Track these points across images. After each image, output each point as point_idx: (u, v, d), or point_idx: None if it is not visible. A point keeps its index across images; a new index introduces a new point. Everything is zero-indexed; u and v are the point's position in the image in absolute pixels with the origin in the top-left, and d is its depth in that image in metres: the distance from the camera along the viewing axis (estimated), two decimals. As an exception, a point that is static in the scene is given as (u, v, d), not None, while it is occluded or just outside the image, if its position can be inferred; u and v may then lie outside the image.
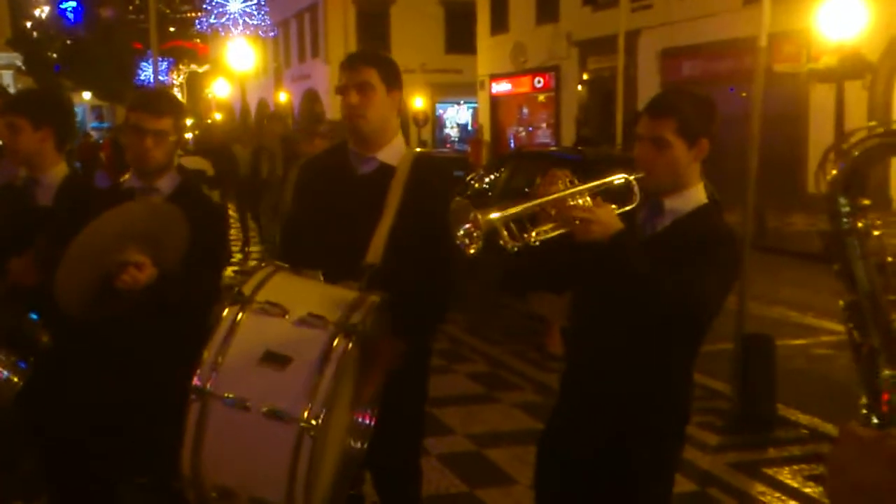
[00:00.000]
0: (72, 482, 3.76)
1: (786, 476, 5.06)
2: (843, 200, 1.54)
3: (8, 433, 3.91)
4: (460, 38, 33.49)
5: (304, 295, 2.78)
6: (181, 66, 55.81)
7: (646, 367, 2.59)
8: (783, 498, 4.76)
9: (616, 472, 2.63)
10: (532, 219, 2.36)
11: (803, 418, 5.96)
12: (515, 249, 2.33)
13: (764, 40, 5.76)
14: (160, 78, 46.24)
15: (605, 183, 2.49)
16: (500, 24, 30.70)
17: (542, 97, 30.11)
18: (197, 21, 42.81)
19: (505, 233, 2.32)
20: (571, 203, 2.38)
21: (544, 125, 30.19)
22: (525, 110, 31.55)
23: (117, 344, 3.15)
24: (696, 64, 22.27)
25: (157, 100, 3.26)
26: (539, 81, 29.15)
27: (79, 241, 2.87)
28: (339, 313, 2.64)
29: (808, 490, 4.85)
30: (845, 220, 1.54)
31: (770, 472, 5.12)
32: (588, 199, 2.41)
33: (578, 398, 2.71)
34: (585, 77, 26.31)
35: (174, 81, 53.35)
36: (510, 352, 7.60)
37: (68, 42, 46.93)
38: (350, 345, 2.57)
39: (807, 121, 18.32)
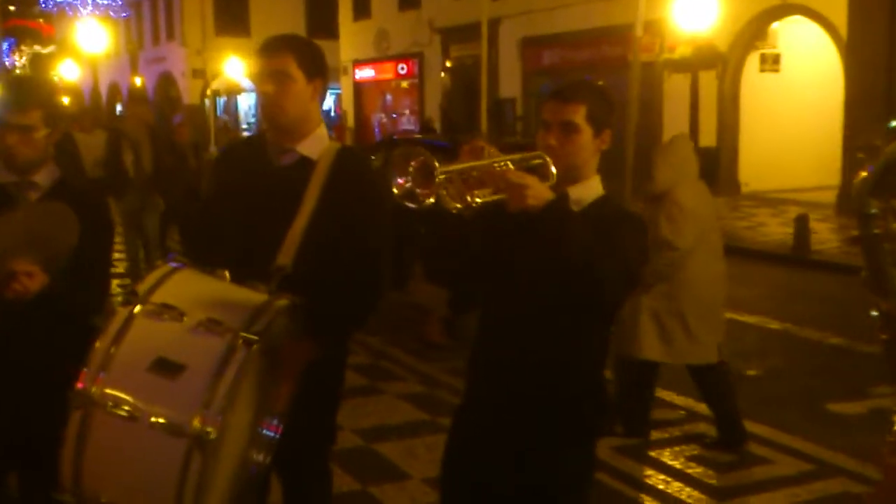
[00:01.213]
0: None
1: (668, 457, 5.23)
2: (872, 202, 1.49)
3: None
4: (322, 23, 32.99)
5: (205, 297, 2.63)
6: (23, 47, 52.89)
7: (572, 354, 2.56)
8: (668, 479, 4.91)
9: (543, 470, 2.59)
10: (467, 182, 2.30)
11: (679, 399, 6.17)
12: (457, 210, 2.27)
13: (640, 30, 5.86)
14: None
15: (525, 157, 2.46)
16: (362, 9, 30.46)
17: (405, 84, 30.09)
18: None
19: (444, 192, 2.25)
20: (502, 169, 2.33)
21: (408, 112, 30.20)
22: (389, 97, 31.46)
23: (3, 354, 2.91)
24: (555, 52, 22.77)
25: (23, 95, 2.97)
26: (402, 68, 29.12)
27: None
28: (240, 319, 2.51)
29: (690, 471, 5.02)
30: (876, 224, 1.48)
31: (653, 454, 5.28)
32: (513, 167, 2.36)
33: (497, 391, 2.63)
34: (448, 64, 26.44)
35: (16, 63, 50.51)
36: (390, 342, 7.54)
37: None
38: (250, 353, 2.44)
39: (661, 109, 19.01)
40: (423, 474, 4.85)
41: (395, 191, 2.26)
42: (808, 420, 5.91)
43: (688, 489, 4.79)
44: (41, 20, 52.67)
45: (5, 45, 37.12)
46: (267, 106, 2.95)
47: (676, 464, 5.12)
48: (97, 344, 2.44)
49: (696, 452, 5.28)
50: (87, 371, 2.40)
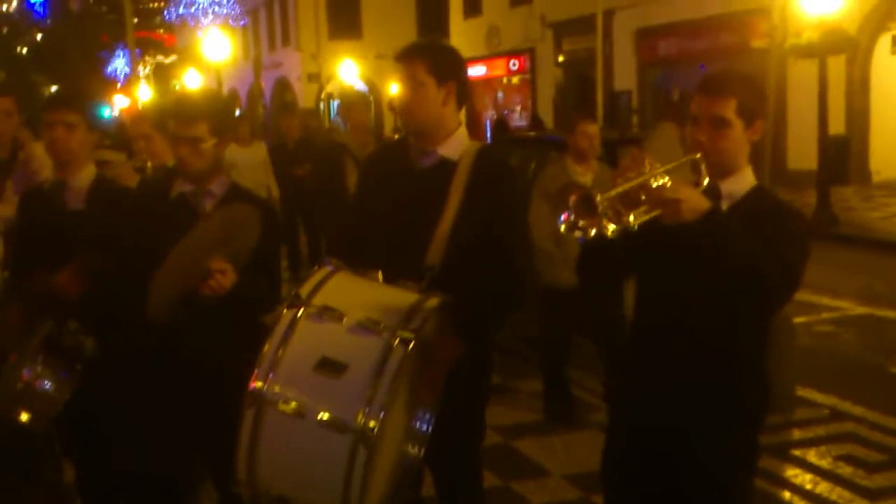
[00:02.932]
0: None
1: (813, 457, 5.07)
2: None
3: (35, 443, 3.83)
4: (433, 22, 33.26)
5: (362, 298, 2.72)
6: (147, 58, 55.13)
7: (733, 344, 2.54)
8: (816, 479, 4.77)
9: (708, 454, 2.58)
10: (625, 202, 2.30)
11: (821, 398, 5.99)
12: (614, 233, 2.27)
13: (776, 16, 5.67)
14: (126, 70, 45.72)
15: (681, 163, 2.44)
16: (473, 7, 30.55)
17: (516, 80, 30.04)
18: (165, 11, 42.23)
19: (603, 218, 2.27)
20: (656, 184, 2.31)
21: (519, 108, 30.14)
22: (500, 94, 31.46)
23: (172, 349, 3.07)
24: (671, 43, 22.30)
25: (192, 108, 3.14)
26: (514, 64, 29.07)
27: (177, 252, 2.84)
28: (396, 318, 2.59)
29: (839, 471, 4.86)
30: None
31: (798, 453, 5.13)
32: (668, 180, 2.35)
33: (659, 381, 2.63)
34: (561, 59, 26.26)
35: (140, 73, 52.70)
36: (518, 339, 7.53)
37: (38, 36, 46.15)
38: (407, 351, 2.52)
39: (785, 97, 18.41)
40: (562, 471, 4.85)
41: (561, 227, 2.28)
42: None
43: (838, 489, 4.64)
44: (162, 31, 54.80)
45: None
46: (400, 111, 3.06)
47: (824, 464, 4.96)
48: (266, 346, 2.54)
49: (844, 452, 5.10)
50: (258, 371, 2.51)
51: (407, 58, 3.04)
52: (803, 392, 5.97)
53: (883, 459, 5.01)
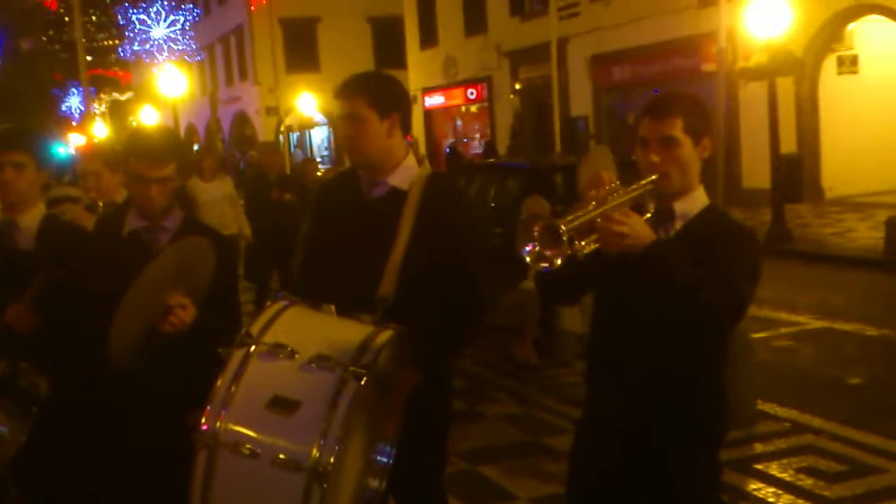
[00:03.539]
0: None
1: (775, 470, 5.14)
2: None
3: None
4: (390, 53, 33.48)
5: (315, 333, 2.70)
6: (102, 95, 54.78)
7: (688, 362, 2.57)
8: (778, 492, 4.83)
9: (669, 472, 2.60)
10: (581, 230, 2.33)
11: (782, 411, 6.07)
12: (565, 260, 2.29)
13: (723, 39, 5.82)
14: (80, 108, 45.35)
15: (640, 185, 2.49)
16: (429, 37, 30.79)
17: (475, 108, 30.27)
18: (119, 49, 42.03)
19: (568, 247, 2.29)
20: (613, 214, 2.36)
21: (478, 136, 30.35)
22: (459, 122, 31.67)
23: (131, 389, 3.03)
24: (626, 68, 22.63)
25: (161, 149, 3.13)
26: (472, 93, 29.30)
27: (132, 293, 2.79)
28: (349, 353, 2.57)
29: (800, 483, 4.93)
30: None
31: (760, 467, 5.19)
32: (627, 209, 2.40)
33: (618, 401, 2.66)
34: (517, 87, 26.54)
35: (96, 110, 52.32)
36: (484, 364, 7.57)
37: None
38: (360, 385, 2.50)
39: (738, 118, 18.75)
40: (529, 494, 4.87)
41: (526, 258, 2.31)
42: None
43: (800, 501, 4.71)
44: (117, 69, 54.52)
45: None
46: (345, 147, 3.12)
47: (786, 476, 5.03)
48: (217, 384, 2.52)
49: (805, 464, 5.18)
50: (210, 411, 2.48)
51: (346, 94, 3.04)
52: (764, 406, 6.05)
53: (842, 470, 5.09)
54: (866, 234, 13.71)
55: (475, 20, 27.86)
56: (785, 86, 15.42)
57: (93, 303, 2.95)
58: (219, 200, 9.40)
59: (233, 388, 2.51)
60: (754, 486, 4.94)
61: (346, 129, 3.04)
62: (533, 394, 6.74)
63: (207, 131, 37.00)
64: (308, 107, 32.80)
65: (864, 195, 17.40)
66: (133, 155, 3.09)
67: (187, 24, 38.75)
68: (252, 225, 9.69)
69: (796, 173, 17.07)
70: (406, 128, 3.13)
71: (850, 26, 17.71)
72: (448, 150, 28.92)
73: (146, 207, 3.08)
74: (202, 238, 3.00)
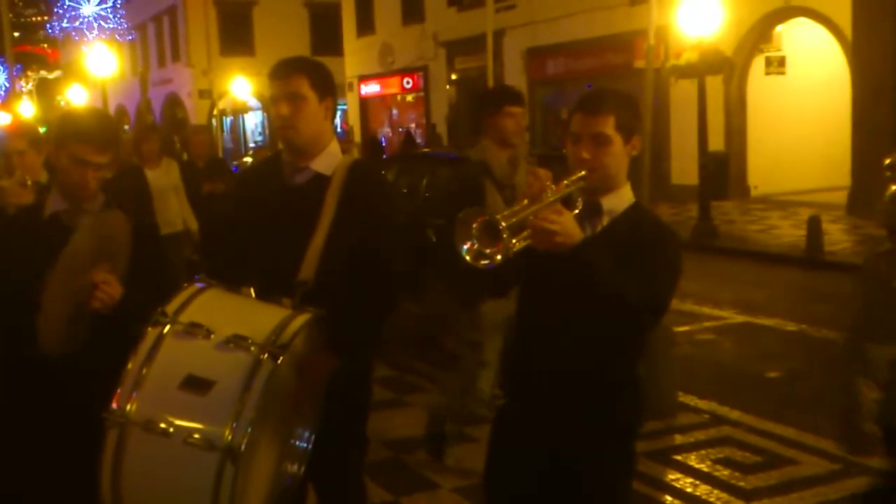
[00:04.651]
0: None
1: (693, 461, 5.26)
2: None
3: None
4: (326, 40, 33.18)
5: (232, 314, 2.70)
6: (29, 73, 53.32)
7: (606, 357, 2.61)
8: (696, 482, 4.95)
9: (582, 466, 2.64)
10: (515, 227, 2.33)
11: (702, 403, 6.21)
12: (499, 258, 2.29)
13: (652, 37, 5.91)
14: (6, 85, 44.03)
15: (572, 183, 2.51)
16: (366, 25, 30.61)
17: (411, 98, 30.21)
18: (48, 25, 40.90)
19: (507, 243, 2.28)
20: (545, 212, 2.38)
21: (414, 125, 30.30)
22: (395, 111, 31.58)
23: (62, 378, 2.95)
24: (560, 62, 22.86)
25: (105, 134, 3.02)
26: (408, 82, 29.23)
27: (56, 276, 2.74)
28: (265, 334, 2.57)
29: (717, 474, 5.05)
30: None
31: (679, 458, 5.31)
32: (559, 206, 2.42)
33: (535, 394, 2.68)
34: (454, 77, 26.56)
35: (23, 88, 50.90)
36: (413, 354, 7.59)
37: None
38: (276, 366, 2.50)
39: (668, 115, 19.06)
40: (452, 484, 4.90)
41: (465, 256, 2.30)
42: (831, 420, 5.92)
43: (716, 492, 4.82)
44: (45, 46, 53.11)
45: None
46: (283, 127, 3.06)
47: (703, 467, 5.16)
48: (129, 365, 2.49)
49: (722, 455, 5.31)
50: (121, 391, 2.46)
51: (288, 73, 3.05)
52: (685, 398, 6.18)
53: (758, 461, 5.23)
54: (789, 232, 14.09)
55: (412, 9, 27.79)
56: (714, 84, 15.74)
57: (13, 290, 2.87)
58: (165, 190, 7.71)
59: (145, 369, 2.48)
60: (672, 477, 5.05)
61: (286, 107, 3.02)
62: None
63: (138, 113, 36.20)
64: (242, 91, 32.38)
65: (788, 193, 17.89)
66: (73, 138, 2.97)
67: (119, 2, 37.88)
68: None
69: (723, 171, 17.44)
70: (334, 116, 3.15)
71: (779, 28, 18.14)
72: (389, 137, 28.74)
73: (79, 191, 2.98)
74: (115, 212, 2.96)
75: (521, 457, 2.71)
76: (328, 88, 3.08)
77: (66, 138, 2.95)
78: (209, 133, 10.64)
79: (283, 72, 3.05)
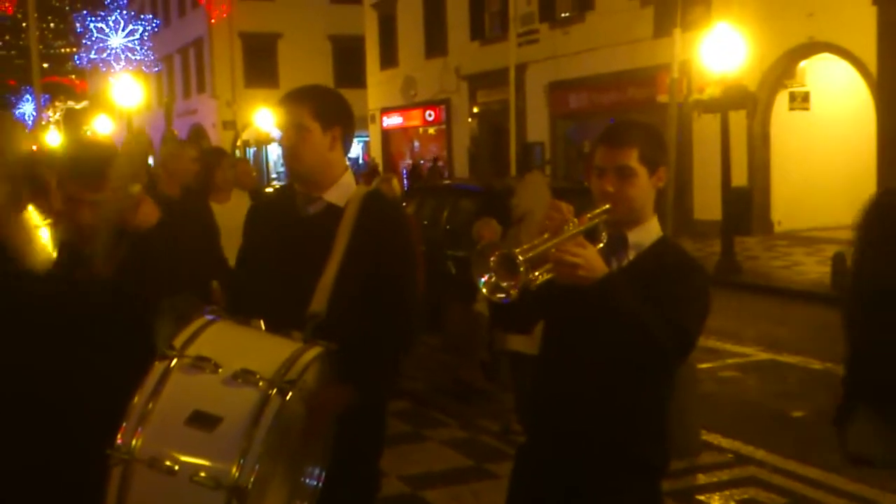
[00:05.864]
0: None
1: (717, 501, 5.14)
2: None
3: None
4: (349, 72, 33.51)
5: (241, 348, 2.63)
6: (57, 103, 54.13)
7: (632, 395, 2.55)
8: (720, 523, 4.84)
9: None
10: (536, 260, 2.29)
11: (725, 442, 6.09)
12: (515, 292, 2.25)
13: (676, 71, 5.87)
14: (34, 115, 44.70)
15: (595, 216, 2.47)
16: (389, 58, 30.86)
17: (432, 130, 30.35)
18: (76, 57, 41.56)
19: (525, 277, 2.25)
20: (568, 245, 2.33)
21: (436, 158, 30.41)
22: (416, 143, 31.71)
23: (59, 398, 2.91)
24: (582, 96, 22.90)
25: (97, 166, 2.97)
26: (430, 115, 29.38)
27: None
28: (275, 368, 2.50)
29: (741, 514, 4.94)
30: None
31: (703, 498, 5.19)
32: (581, 238, 2.37)
33: (559, 430, 2.62)
34: (475, 110, 26.67)
35: (50, 118, 51.63)
36: (431, 387, 7.51)
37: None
38: (284, 401, 2.43)
39: (691, 149, 19.01)
40: (470, 521, 4.81)
41: (483, 289, 2.27)
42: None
43: (741, 533, 4.71)
44: (73, 77, 53.93)
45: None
46: (286, 157, 3.03)
47: (727, 508, 5.05)
48: (135, 399, 2.43)
49: (746, 496, 5.19)
50: (126, 426, 2.39)
51: (291, 102, 3.00)
52: (708, 437, 6.06)
53: (783, 502, 5.10)
54: (813, 269, 13.93)
55: (435, 42, 28.02)
56: (737, 119, 15.68)
57: None
58: (235, 230, 5.61)
59: (151, 404, 2.41)
60: (696, 518, 4.94)
61: (289, 138, 2.99)
62: (478, 419, 6.69)
63: (162, 143, 36.58)
64: (266, 122, 32.62)
65: (812, 230, 17.72)
66: (67, 175, 2.90)
67: (146, 34, 38.45)
68: None
69: (747, 206, 17.33)
70: (348, 145, 3.09)
71: (803, 63, 18.09)
72: (418, 168, 28.88)
73: (80, 231, 2.93)
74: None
75: (543, 494, 2.64)
76: (335, 117, 3.01)
77: (62, 177, 2.91)
78: (248, 163, 10.07)
79: (287, 101, 3.01)
